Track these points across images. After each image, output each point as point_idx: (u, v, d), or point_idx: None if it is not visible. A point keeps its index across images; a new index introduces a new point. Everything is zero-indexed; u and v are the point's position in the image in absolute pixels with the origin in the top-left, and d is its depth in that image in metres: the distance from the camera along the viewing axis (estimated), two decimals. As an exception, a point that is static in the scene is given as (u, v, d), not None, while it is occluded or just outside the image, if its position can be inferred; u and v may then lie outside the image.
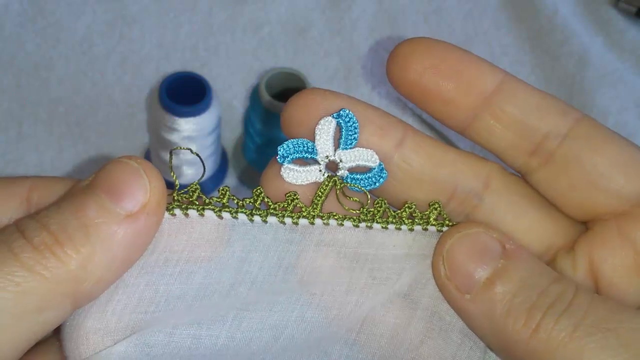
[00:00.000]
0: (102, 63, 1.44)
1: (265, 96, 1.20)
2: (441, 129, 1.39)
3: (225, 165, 1.37)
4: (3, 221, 0.53)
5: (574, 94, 1.45)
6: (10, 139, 1.35)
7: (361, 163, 0.55)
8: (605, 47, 1.50)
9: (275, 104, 1.20)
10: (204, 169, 0.55)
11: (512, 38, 1.53)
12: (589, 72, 1.47)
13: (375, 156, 0.54)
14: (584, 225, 0.56)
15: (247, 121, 1.30)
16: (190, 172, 1.28)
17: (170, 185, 0.52)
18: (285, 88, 1.24)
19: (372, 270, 0.55)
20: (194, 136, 1.22)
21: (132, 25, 1.48)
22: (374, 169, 0.55)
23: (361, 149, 0.55)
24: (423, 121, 1.40)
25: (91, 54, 1.45)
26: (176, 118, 1.19)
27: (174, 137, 1.22)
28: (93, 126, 1.38)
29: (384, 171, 0.55)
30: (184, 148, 0.56)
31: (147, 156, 1.35)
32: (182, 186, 0.53)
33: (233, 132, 1.41)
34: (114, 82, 1.42)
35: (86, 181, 0.50)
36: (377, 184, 0.55)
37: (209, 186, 1.34)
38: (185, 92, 1.20)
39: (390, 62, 0.55)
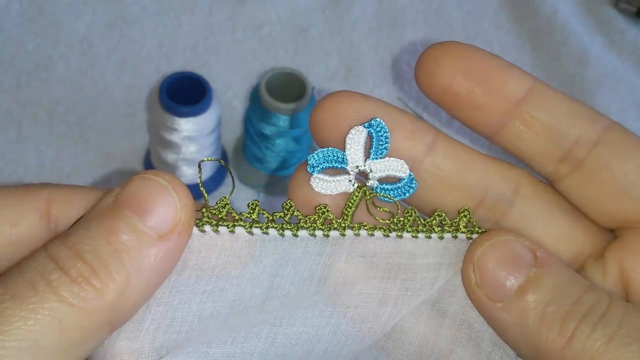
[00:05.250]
0: (102, 63, 1.43)
1: (270, 99, 1.20)
2: (441, 128, 1.39)
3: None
4: (22, 236, 0.51)
5: (574, 94, 1.45)
6: (10, 139, 1.34)
7: (391, 173, 0.54)
8: (605, 47, 1.51)
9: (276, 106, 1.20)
10: (233, 183, 0.54)
11: (512, 38, 1.54)
12: (589, 72, 1.47)
13: (406, 166, 0.54)
14: (612, 233, 0.56)
15: (247, 121, 1.30)
16: (190, 172, 1.28)
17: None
18: (286, 88, 1.24)
19: (404, 281, 0.54)
20: (194, 136, 1.21)
21: (132, 25, 1.48)
22: (404, 179, 0.54)
23: (391, 159, 0.53)
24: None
25: (91, 54, 1.44)
26: (176, 118, 1.19)
27: (174, 137, 1.21)
28: (93, 126, 1.38)
29: (414, 181, 0.54)
30: (212, 159, 0.54)
31: (148, 156, 1.34)
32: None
33: (233, 132, 1.41)
34: (114, 82, 1.42)
35: (110, 197, 0.48)
36: (407, 194, 0.54)
37: (209, 186, 1.34)
38: (185, 92, 1.20)
39: (419, 67, 0.54)
